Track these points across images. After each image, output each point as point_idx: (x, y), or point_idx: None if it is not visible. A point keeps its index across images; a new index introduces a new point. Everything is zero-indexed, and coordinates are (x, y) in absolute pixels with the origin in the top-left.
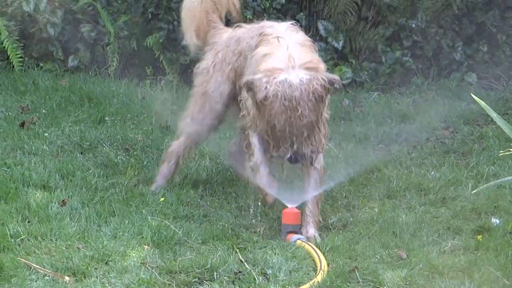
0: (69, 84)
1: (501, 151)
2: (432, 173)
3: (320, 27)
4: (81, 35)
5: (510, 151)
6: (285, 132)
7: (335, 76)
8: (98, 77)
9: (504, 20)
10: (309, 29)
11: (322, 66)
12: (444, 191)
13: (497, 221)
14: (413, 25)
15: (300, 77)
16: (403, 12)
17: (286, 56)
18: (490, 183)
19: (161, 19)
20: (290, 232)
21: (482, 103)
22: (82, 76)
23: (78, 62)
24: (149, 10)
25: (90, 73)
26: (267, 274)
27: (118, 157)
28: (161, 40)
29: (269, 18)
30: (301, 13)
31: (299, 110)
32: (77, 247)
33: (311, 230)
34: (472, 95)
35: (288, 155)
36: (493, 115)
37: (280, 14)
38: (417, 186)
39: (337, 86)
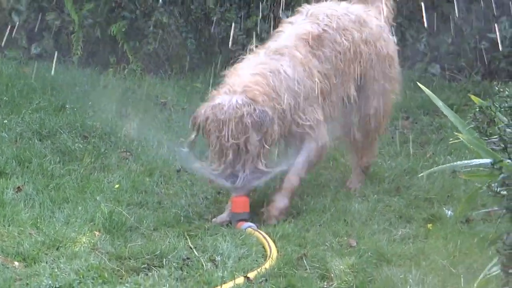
0: (32, 72)
1: (451, 139)
2: (388, 162)
3: (284, 17)
4: (45, 23)
5: (459, 138)
6: (217, 151)
7: (268, 114)
8: (62, 65)
9: (469, 12)
10: (274, 19)
11: (263, 97)
12: (399, 180)
13: (450, 212)
14: None
15: (232, 101)
16: None
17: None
18: (435, 168)
19: (124, 8)
20: (240, 220)
21: (428, 91)
22: (45, 64)
23: (41, 50)
24: None
25: (54, 61)
26: (215, 261)
27: (76, 144)
28: (123, 29)
29: (230, 8)
30: (263, 4)
31: (224, 131)
32: (29, 233)
33: (280, 204)
34: (418, 83)
35: (223, 175)
36: (439, 104)
37: (244, 4)
38: (372, 175)
39: (266, 125)
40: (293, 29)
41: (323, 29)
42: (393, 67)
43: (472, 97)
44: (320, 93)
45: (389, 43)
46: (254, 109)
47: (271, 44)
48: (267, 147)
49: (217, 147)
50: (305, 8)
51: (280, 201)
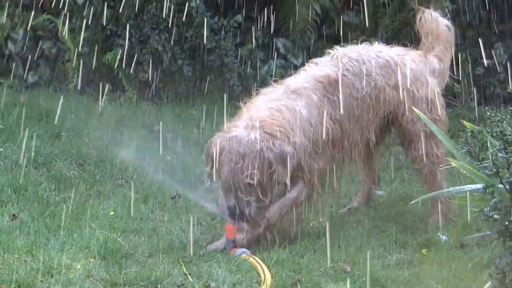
0: (28, 100)
1: (442, 165)
2: (384, 188)
3: (279, 44)
4: (41, 52)
5: (451, 164)
6: (228, 184)
7: (288, 150)
8: (58, 93)
9: (464, 38)
10: (269, 46)
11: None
12: (394, 206)
13: (445, 237)
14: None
15: (251, 136)
16: (364, 30)
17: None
18: (430, 194)
19: (120, 36)
20: (234, 246)
21: (422, 116)
22: (41, 92)
23: (38, 78)
24: (107, 27)
25: (50, 89)
26: (210, 287)
27: (71, 172)
28: (118, 57)
29: (225, 36)
30: (259, 31)
31: (240, 164)
32: (24, 260)
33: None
34: (413, 108)
35: (226, 208)
36: (433, 128)
37: (238, 32)
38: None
39: (287, 160)
40: (314, 70)
41: (342, 74)
42: (434, 109)
43: (465, 122)
44: (330, 140)
45: (427, 87)
46: (273, 143)
47: (291, 82)
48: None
49: (229, 180)
50: (334, 50)
51: (271, 216)
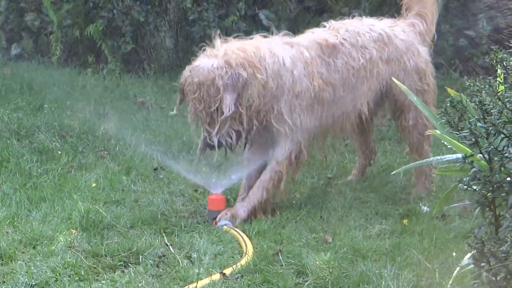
0: (11, 72)
1: (427, 132)
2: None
3: (262, 16)
4: (24, 24)
5: (436, 132)
6: (196, 116)
7: (242, 76)
8: (41, 66)
9: (447, 9)
10: (252, 18)
11: (242, 62)
12: (376, 177)
13: (426, 208)
14: (357, 15)
15: (209, 64)
16: (347, 1)
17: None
18: (411, 164)
19: (102, 8)
20: (215, 218)
21: (403, 87)
22: (24, 64)
23: (21, 51)
24: None
25: (33, 61)
26: (191, 258)
27: (54, 144)
28: (101, 28)
29: (208, 8)
30: (240, 3)
31: (197, 94)
32: (6, 232)
33: (236, 210)
34: (394, 79)
35: (201, 143)
36: (413, 99)
37: (222, 3)
38: (349, 172)
39: (240, 83)
40: (312, 35)
41: (340, 42)
42: (424, 79)
43: (449, 90)
44: (318, 100)
45: (418, 56)
46: (226, 72)
47: (286, 38)
48: (241, 110)
49: (193, 110)
50: (329, 23)
51: (236, 210)
